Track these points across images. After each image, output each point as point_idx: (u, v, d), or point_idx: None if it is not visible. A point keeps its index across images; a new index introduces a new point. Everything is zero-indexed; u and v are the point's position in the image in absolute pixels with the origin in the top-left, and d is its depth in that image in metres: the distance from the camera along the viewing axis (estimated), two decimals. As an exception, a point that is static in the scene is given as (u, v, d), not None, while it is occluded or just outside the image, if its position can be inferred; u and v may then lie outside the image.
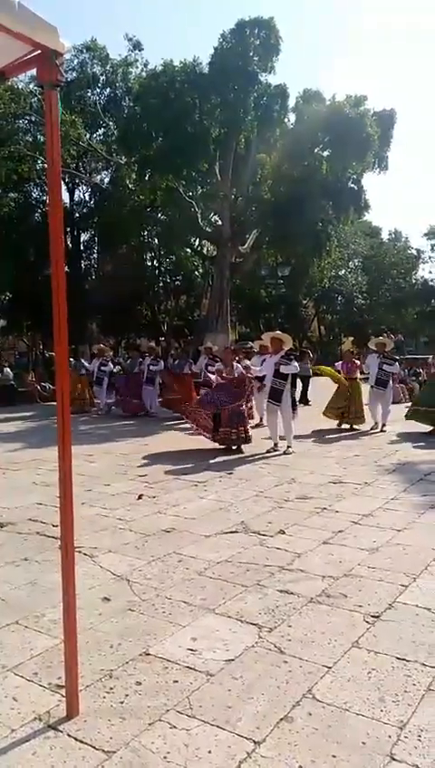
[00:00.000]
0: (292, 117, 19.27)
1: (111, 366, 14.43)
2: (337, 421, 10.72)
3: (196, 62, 17.76)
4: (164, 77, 17.60)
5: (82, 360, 14.61)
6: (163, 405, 12.07)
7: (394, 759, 2.10)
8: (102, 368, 13.89)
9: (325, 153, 18.57)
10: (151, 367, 12.88)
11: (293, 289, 31.02)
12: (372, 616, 3.23)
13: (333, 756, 2.12)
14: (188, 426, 10.65)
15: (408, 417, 10.10)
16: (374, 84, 75.20)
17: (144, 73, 21.89)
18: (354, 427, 10.55)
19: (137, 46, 23.31)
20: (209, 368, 11.79)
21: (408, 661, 2.75)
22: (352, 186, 19.95)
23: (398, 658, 2.77)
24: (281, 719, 2.33)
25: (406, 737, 2.22)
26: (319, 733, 2.25)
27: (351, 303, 39.32)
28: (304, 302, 38.64)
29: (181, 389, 11.52)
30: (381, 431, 10.27)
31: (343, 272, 39.33)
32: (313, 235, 19.73)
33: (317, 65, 70.85)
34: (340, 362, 11.21)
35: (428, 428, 9.77)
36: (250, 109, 17.09)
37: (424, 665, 2.72)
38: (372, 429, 10.32)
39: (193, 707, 2.41)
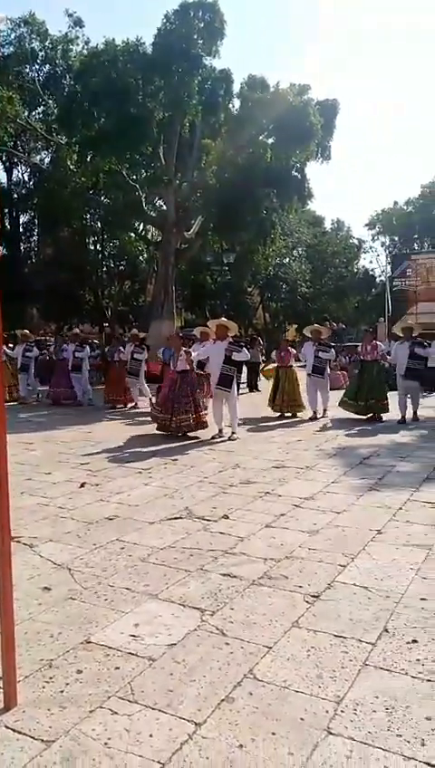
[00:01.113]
0: (236, 103, 19.15)
1: (36, 351, 13.74)
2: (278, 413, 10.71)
3: (139, 41, 17.38)
4: (106, 56, 17.13)
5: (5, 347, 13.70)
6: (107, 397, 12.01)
7: (331, 733, 2.17)
8: (27, 354, 13.10)
9: (270, 141, 18.58)
10: (76, 353, 12.53)
11: (238, 276, 31.12)
12: (312, 596, 3.31)
13: (273, 734, 2.16)
14: (132, 413, 10.61)
15: (339, 404, 10.22)
16: (318, 74, 75.82)
17: (85, 51, 21.23)
18: (297, 414, 10.62)
19: (78, 23, 22.54)
20: (136, 355, 11.70)
21: (345, 638, 2.83)
22: (296, 174, 20.07)
23: (336, 636, 2.86)
24: (222, 700, 2.36)
25: (343, 711, 2.29)
26: (259, 711, 2.29)
27: (295, 291, 39.79)
28: (250, 289, 38.82)
29: (110, 378, 11.59)
30: (323, 417, 10.43)
31: (287, 260, 39.73)
32: (257, 223, 19.80)
33: (261, 52, 70.76)
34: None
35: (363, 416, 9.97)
36: (194, 92, 16.88)
37: (360, 641, 2.81)
38: (311, 417, 10.39)
39: (135, 693, 2.41)
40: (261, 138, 18.52)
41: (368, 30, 74.93)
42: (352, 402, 9.95)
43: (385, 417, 9.90)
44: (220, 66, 17.95)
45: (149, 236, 25.19)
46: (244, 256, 24.25)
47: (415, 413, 9.85)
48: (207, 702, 2.34)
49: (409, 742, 2.11)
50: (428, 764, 2.00)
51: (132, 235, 25.20)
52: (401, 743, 2.11)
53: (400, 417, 9.69)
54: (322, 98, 19.14)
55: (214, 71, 17.95)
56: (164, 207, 20.25)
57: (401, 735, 2.14)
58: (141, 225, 24.84)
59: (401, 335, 10.11)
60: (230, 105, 19.14)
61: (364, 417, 9.90)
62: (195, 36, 16.96)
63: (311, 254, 41.30)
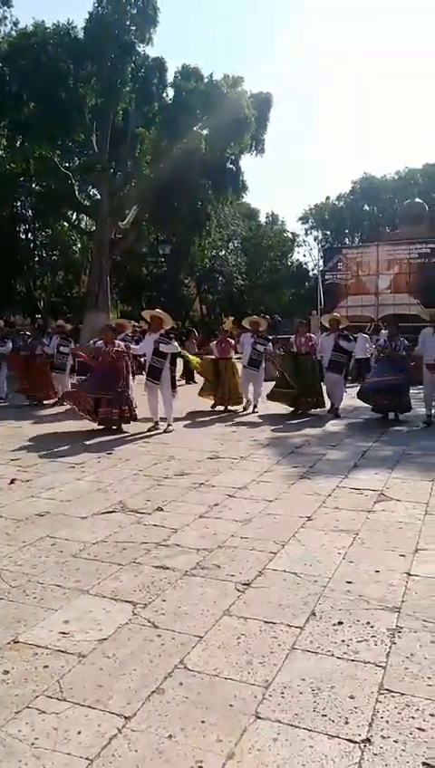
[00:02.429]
0: (171, 92, 18.98)
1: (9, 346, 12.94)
2: (212, 402, 10.53)
3: (70, 25, 16.88)
4: (35, 38, 16.55)
5: None
6: (20, 392, 11.32)
7: (259, 717, 2.21)
8: None
9: (205, 132, 18.55)
10: None
11: (174, 268, 31.04)
12: (243, 584, 3.36)
13: (202, 722, 2.18)
14: (62, 409, 10.35)
15: (268, 397, 10.04)
16: (252, 67, 76.22)
17: (14, 33, 20.42)
18: (229, 408, 10.39)
19: (6, 2, 21.60)
20: (62, 348, 11.21)
21: (274, 624, 2.90)
22: (231, 166, 20.16)
23: (265, 622, 2.91)
24: (152, 692, 2.36)
25: (271, 695, 2.34)
26: (189, 701, 2.31)
27: (231, 284, 40.07)
28: (186, 281, 38.80)
29: (31, 373, 10.98)
30: (254, 411, 10.21)
31: (223, 252, 39.89)
32: (193, 214, 19.76)
33: (195, 43, 70.40)
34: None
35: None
36: (128, 80, 16.60)
37: (289, 625, 2.88)
38: (244, 409, 10.29)
39: (64, 691, 2.37)
40: (196, 128, 18.45)
41: (308, 22, 75.91)
42: (284, 392, 9.74)
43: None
44: (154, 54, 17.70)
45: (83, 226, 24.64)
46: (180, 248, 24.19)
47: (337, 408, 9.62)
48: (138, 695, 2.34)
49: (333, 721, 2.18)
50: (350, 741, 2.08)
51: (65, 224, 24.59)
52: (326, 722, 2.18)
53: (329, 408, 9.68)
54: (256, 90, 19.27)
55: (147, 59, 17.72)
56: (98, 196, 19.84)
57: (326, 715, 2.21)
58: (75, 213, 24.28)
59: (328, 327, 9.98)
60: (164, 94, 18.95)
61: (298, 411, 9.75)
62: (127, 23, 16.67)
63: (246, 246, 41.66)
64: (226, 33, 75.43)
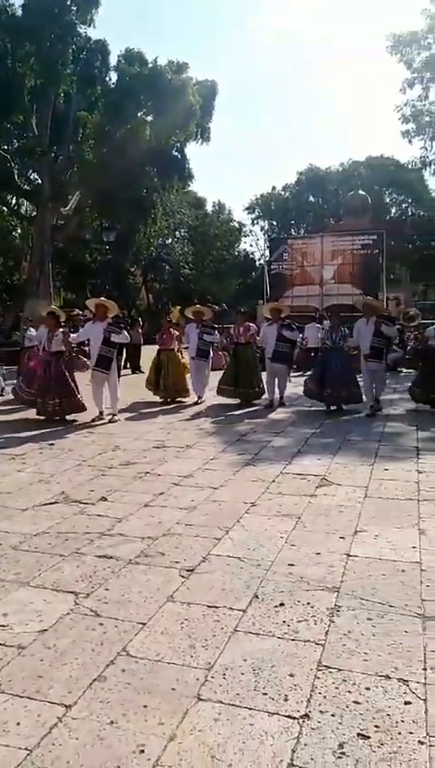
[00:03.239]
0: (113, 76, 18.65)
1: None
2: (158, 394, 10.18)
3: (7, 2, 16.30)
4: (-30, 13, 15.91)
5: None
6: None
7: (201, 699, 2.24)
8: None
9: (149, 118, 18.33)
10: None
11: (120, 255, 30.54)
12: (187, 570, 3.38)
13: (145, 707, 2.19)
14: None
15: (217, 392, 9.85)
16: (197, 55, 75.53)
17: None
18: (175, 400, 10.12)
19: None
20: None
21: (217, 607, 2.93)
22: (177, 154, 20.04)
23: (208, 606, 2.94)
24: (94, 680, 2.35)
25: (213, 677, 2.37)
26: (131, 687, 2.31)
27: (178, 273, 39.88)
28: (132, 269, 38.34)
29: None
30: (200, 401, 9.98)
31: (169, 241, 39.66)
32: (137, 201, 19.54)
33: (140, 27, 69.14)
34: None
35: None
36: (69, 61, 16.19)
37: (232, 608, 2.92)
38: (195, 402, 9.98)
39: (2, 683, 2.33)
40: (140, 114, 18.22)
41: (259, 10, 75.68)
42: (231, 389, 9.59)
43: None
44: (96, 36, 17.30)
45: (23, 211, 23.93)
46: (125, 235, 23.84)
47: (281, 397, 9.56)
48: (78, 684, 2.32)
49: (273, 699, 2.23)
50: (289, 717, 2.13)
51: (5, 209, 23.81)
52: (267, 700, 2.22)
53: (268, 401, 9.46)
54: (201, 78, 19.17)
55: (89, 41, 17.35)
56: (39, 181, 19.30)
57: (266, 694, 2.26)
58: (14, 198, 23.52)
59: (270, 317, 9.80)
60: (107, 78, 18.61)
61: (242, 402, 9.64)
62: (68, 2, 16.21)
63: (193, 235, 41.53)
64: (171, 19, 74.45)
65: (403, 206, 44.03)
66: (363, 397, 8.74)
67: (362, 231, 23.64)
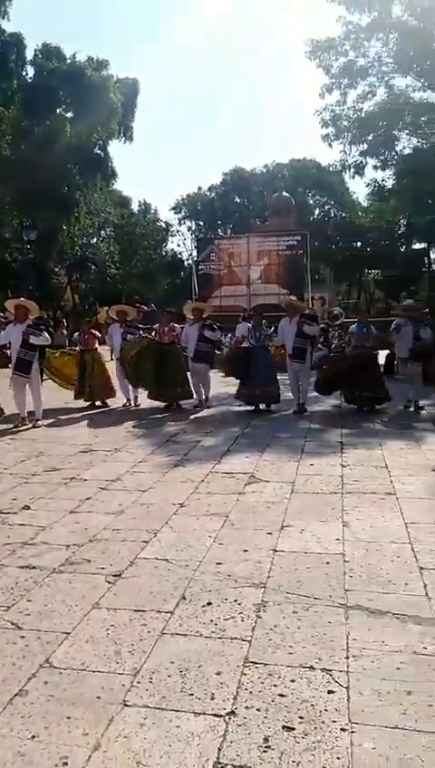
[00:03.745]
0: (30, 71, 18.11)
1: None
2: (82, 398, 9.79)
3: None
4: None
5: None
6: None
7: (127, 705, 2.20)
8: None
9: (69, 114, 17.95)
10: None
11: (42, 255, 29.68)
12: (114, 575, 3.32)
13: (68, 717, 2.13)
14: None
15: (148, 396, 9.49)
16: (119, 51, 74.63)
17: None
18: (106, 402, 9.79)
19: None
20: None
21: (144, 611, 2.90)
22: (99, 152, 19.74)
23: (135, 611, 2.90)
24: (15, 695, 2.26)
25: (139, 683, 2.34)
26: (54, 699, 2.24)
27: (104, 273, 39.23)
28: (57, 269, 37.38)
29: None
30: (126, 406, 9.64)
31: (95, 240, 38.93)
32: (59, 199, 19.10)
33: (58, 22, 67.49)
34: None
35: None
36: (-18, 54, 15.60)
37: (159, 611, 2.89)
38: (124, 405, 9.65)
39: None
40: (59, 111, 17.81)
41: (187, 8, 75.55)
42: (159, 392, 9.31)
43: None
44: (11, 29, 16.74)
45: None
46: (47, 234, 23.19)
47: (207, 398, 9.41)
48: (-1, 700, 2.23)
49: (200, 698, 2.23)
50: (216, 715, 2.13)
51: None
52: (193, 700, 2.22)
53: (196, 401, 9.35)
54: (122, 75, 18.96)
55: (4, 33, 16.74)
56: None
57: (193, 694, 2.26)
58: None
59: (192, 317, 9.60)
60: (24, 72, 18.04)
61: (171, 405, 9.37)
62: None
63: (119, 235, 40.96)
64: (93, 15, 73.09)
65: (326, 207, 45.31)
66: (289, 396, 8.91)
67: (287, 232, 24.15)
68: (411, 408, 8.57)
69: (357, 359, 8.62)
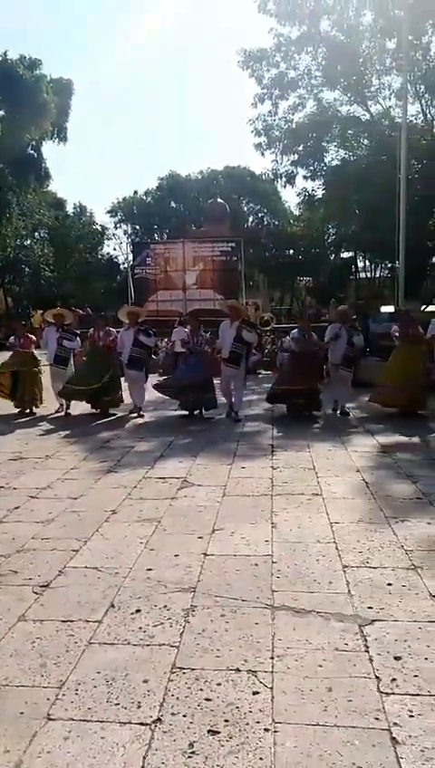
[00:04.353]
0: (-42, 66, 17.49)
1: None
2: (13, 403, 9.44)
3: None
4: None
5: None
6: None
7: (51, 719, 2.16)
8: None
9: (0, 113, 17.46)
10: None
11: (-28, 257, 28.71)
12: (42, 586, 3.25)
13: (-11, 736, 2.07)
14: None
15: (60, 394, 9.23)
16: (50, 52, 73.18)
17: None
18: (33, 410, 9.40)
19: None
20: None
21: (72, 621, 2.85)
22: (32, 152, 19.29)
23: (62, 621, 2.86)
24: None
25: (64, 695, 2.30)
26: (-26, 717, 2.17)
27: (38, 275, 38.26)
28: (-12, 271, 36.14)
29: None
30: (58, 411, 9.36)
31: (28, 242, 37.89)
32: (-10, 200, 18.51)
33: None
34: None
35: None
36: None
37: (87, 621, 2.86)
38: (57, 410, 9.39)
39: None
40: (-11, 109, 17.29)
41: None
42: (74, 388, 8.93)
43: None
44: None
45: None
46: (-23, 236, 22.46)
47: (140, 408, 9.08)
48: None
49: (126, 708, 2.22)
50: (142, 724, 2.13)
51: None
52: (119, 710, 2.21)
53: (132, 407, 9.16)
54: (56, 76, 18.62)
55: None
56: None
57: (119, 704, 2.24)
58: None
59: (127, 321, 9.26)
60: None
61: (97, 411, 9.17)
62: None
63: (54, 237, 40.05)
64: (31, 16, 71.39)
65: (259, 215, 45.97)
66: (223, 401, 8.84)
67: (222, 238, 24.30)
68: (338, 413, 8.79)
69: (298, 364, 8.72)
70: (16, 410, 9.41)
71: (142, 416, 8.94)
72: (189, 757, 1.96)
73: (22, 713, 2.20)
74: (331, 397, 9.07)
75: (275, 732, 2.07)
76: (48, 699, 2.27)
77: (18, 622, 2.86)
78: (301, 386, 8.56)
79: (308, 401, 8.68)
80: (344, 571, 3.33)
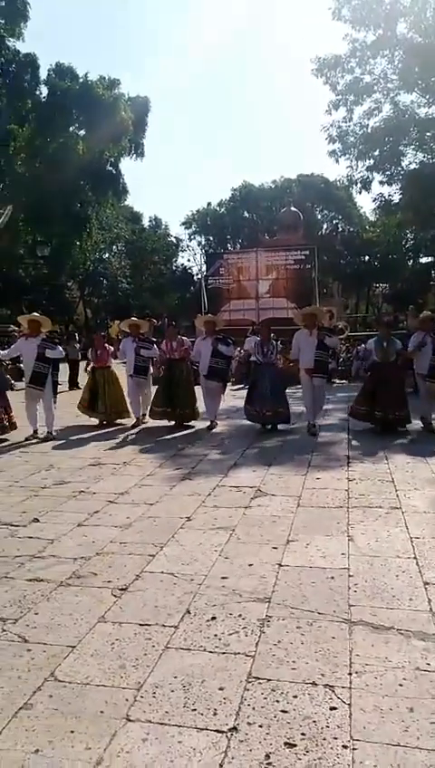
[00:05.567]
0: (44, 90, 18.47)
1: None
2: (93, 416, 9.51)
3: None
4: None
5: None
6: None
7: (130, 720, 2.22)
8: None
9: (81, 132, 18.26)
10: None
11: (55, 270, 30.04)
12: (120, 589, 3.35)
13: (72, 732, 2.15)
14: None
15: (150, 415, 9.22)
16: (134, 69, 75.79)
17: None
18: (114, 422, 9.39)
19: None
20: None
21: (149, 625, 2.91)
22: (111, 169, 20.02)
23: (140, 625, 2.92)
24: (20, 708, 2.29)
25: (142, 697, 2.35)
26: (58, 712, 2.26)
27: (115, 287, 39.61)
28: (69, 284, 37.76)
29: None
30: (144, 422, 9.35)
31: (106, 255, 39.34)
32: (72, 215, 19.37)
33: (74, 42, 68.77)
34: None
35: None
36: (-2, 74, 15.98)
37: (164, 626, 2.91)
38: (135, 424, 9.22)
39: None
40: (72, 129, 18.13)
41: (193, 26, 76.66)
42: (161, 410, 8.90)
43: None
44: (25, 50, 17.10)
45: None
46: (60, 249, 23.50)
47: (215, 416, 8.94)
48: (3, 713, 2.26)
49: (202, 714, 2.24)
50: (218, 731, 2.14)
51: None
52: (196, 716, 2.23)
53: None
54: (133, 94, 19.28)
55: (18, 53, 17.10)
56: (-32, 195, 18.81)
57: (195, 709, 2.27)
58: None
59: (204, 330, 9.08)
60: (38, 92, 18.40)
61: (176, 424, 9.02)
62: (-5, 15, 15.99)
63: (130, 250, 41.42)
64: (106, 33, 74.49)
65: (334, 222, 45.50)
66: (298, 409, 8.68)
67: (296, 246, 24.22)
68: (422, 427, 8.09)
69: (380, 376, 8.08)
70: (96, 423, 9.46)
71: (216, 425, 8.87)
72: (266, 768, 1.95)
73: (102, 712, 2.26)
74: (417, 409, 8.55)
75: (354, 749, 2.02)
76: (127, 700, 2.33)
77: (98, 623, 2.95)
78: (391, 412, 7.91)
79: (397, 419, 8.03)
80: (426, 588, 3.22)
